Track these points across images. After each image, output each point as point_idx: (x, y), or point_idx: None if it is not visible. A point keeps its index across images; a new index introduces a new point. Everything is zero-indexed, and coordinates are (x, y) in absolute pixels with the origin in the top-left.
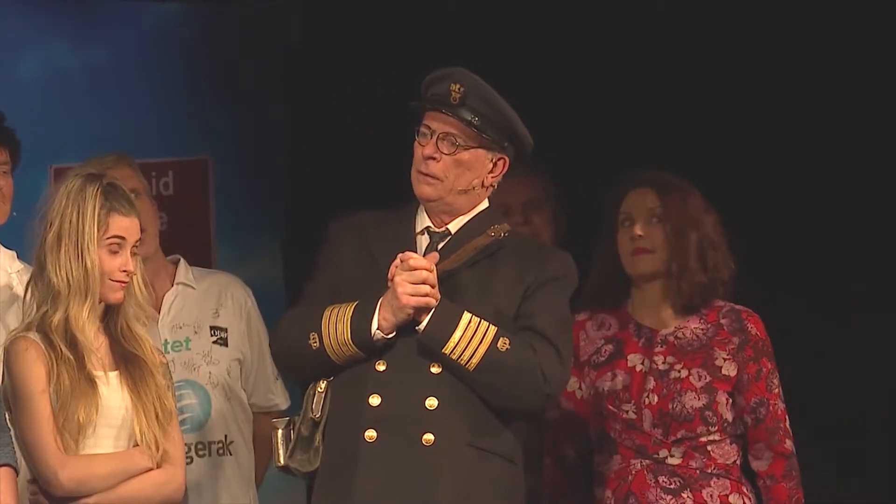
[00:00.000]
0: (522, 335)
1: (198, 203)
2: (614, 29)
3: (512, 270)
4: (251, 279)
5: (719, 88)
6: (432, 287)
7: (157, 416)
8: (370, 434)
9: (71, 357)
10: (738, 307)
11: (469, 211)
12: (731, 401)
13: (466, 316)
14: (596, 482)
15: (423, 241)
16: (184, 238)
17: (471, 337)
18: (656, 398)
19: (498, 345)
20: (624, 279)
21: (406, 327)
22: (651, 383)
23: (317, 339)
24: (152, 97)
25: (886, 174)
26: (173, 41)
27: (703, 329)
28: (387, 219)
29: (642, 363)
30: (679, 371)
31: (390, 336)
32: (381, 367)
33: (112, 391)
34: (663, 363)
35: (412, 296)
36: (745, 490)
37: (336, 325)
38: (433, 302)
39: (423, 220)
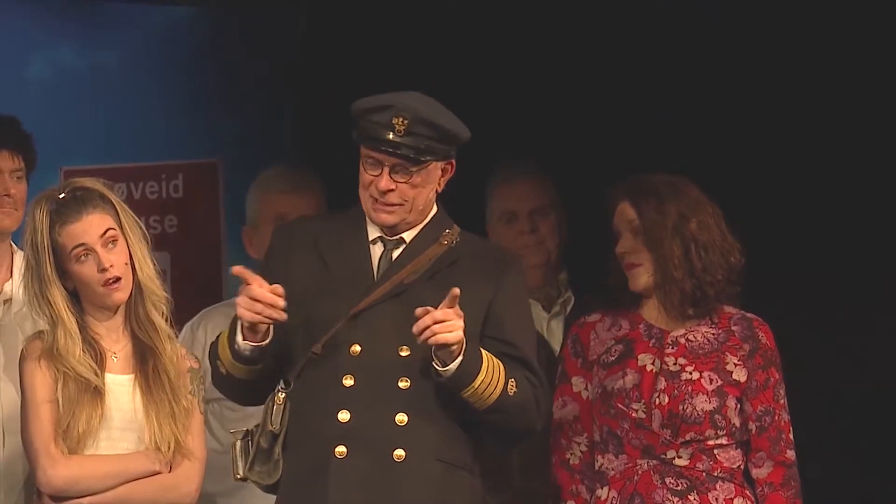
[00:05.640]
0: (518, 371)
1: (207, 206)
2: (620, 33)
3: (473, 284)
4: None
5: (725, 90)
6: (263, 302)
7: (172, 415)
8: (340, 450)
9: (74, 371)
10: (749, 315)
11: (423, 219)
12: (739, 406)
13: (485, 357)
14: (600, 482)
15: (377, 250)
16: (193, 241)
17: (489, 381)
18: (667, 399)
19: (508, 388)
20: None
21: (373, 344)
22: (662, 383)
23: (222, 366)
24: (161, 100)
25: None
26: (181, 44)
27: (714, 333)
28: (336, 225)
29: (653, 363)
30: (690, 373)
31: (261, 344)
32: (348, 383)
33: (121, 395)
34: (674, 364)
35: (246, 311)
36: (748, 494)
37: (223, 348)
38: (260, 319)
39: (375, 229)
